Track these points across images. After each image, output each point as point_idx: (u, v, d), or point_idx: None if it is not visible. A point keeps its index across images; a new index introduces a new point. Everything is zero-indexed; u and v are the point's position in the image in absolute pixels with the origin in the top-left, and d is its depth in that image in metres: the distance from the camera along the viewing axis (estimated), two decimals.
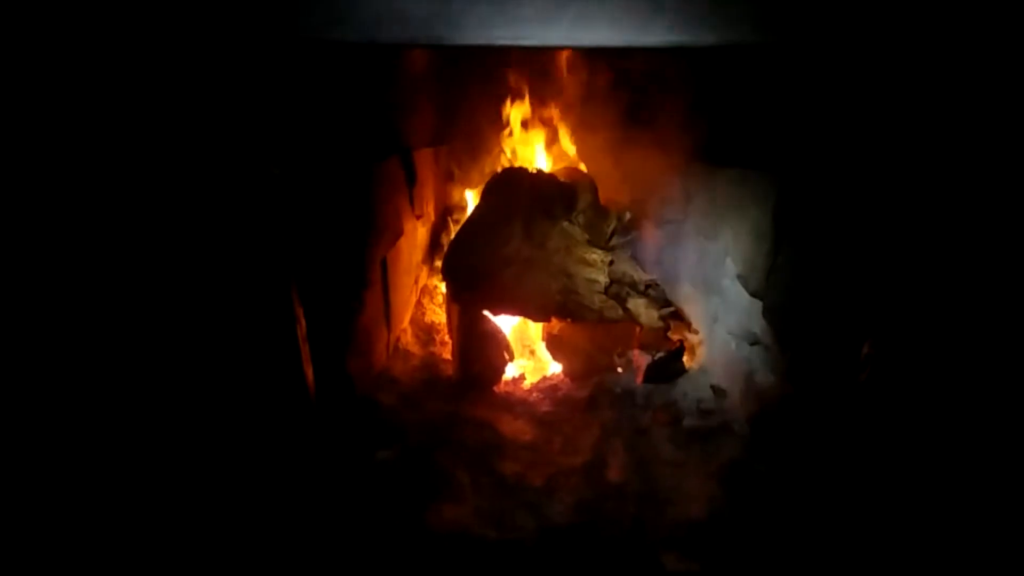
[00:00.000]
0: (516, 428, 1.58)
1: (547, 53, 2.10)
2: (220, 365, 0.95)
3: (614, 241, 1.64)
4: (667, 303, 1.64)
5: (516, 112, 2.13)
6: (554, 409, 1.67)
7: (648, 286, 1.55)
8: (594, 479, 1.38)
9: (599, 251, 1.54)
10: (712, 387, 1.74)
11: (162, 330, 0.93)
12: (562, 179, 1.81)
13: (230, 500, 1.06)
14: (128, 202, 0.86)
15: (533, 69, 2.14)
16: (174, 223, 0.87)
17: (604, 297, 1.51)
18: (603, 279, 1.51)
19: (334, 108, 1.27)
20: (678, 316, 1.64)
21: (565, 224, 1.55)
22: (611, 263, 1.55)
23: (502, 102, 2.15)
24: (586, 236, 1.57)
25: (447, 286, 1.78)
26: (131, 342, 0.92)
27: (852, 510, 1.11)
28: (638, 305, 1.52)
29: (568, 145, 2.20)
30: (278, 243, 0.90)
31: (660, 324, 1.54)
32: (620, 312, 1.50)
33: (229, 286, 0.91)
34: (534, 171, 1.78)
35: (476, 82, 2.18)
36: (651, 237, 2.06)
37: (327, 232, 1.22)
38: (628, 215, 1.75)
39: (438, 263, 2.25)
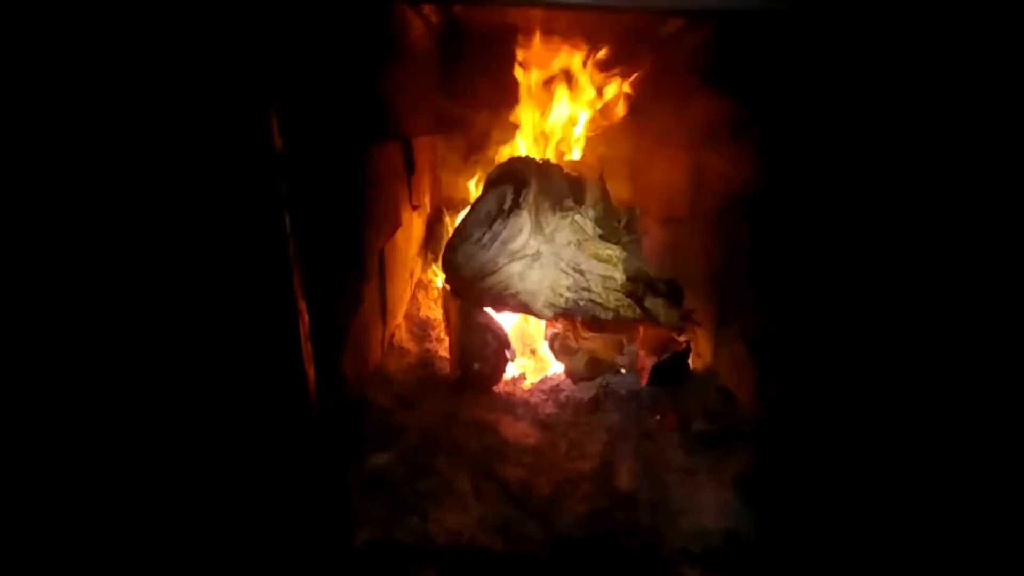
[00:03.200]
0: (519, 431, 1.50)
1: (553, 37, 2.02)
2: (211, 367, 0.86)
3: (624, 238, 1.56)
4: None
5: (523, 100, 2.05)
6: (557, 411, 1.60)
7: (668, 284, 1.47)
8: (604, 486, 1.31)
9: (614, 247, 1.46)
10: (719, 390, 1.69)
11: (147, 326, 0.83)
12: (569, 171, 1.73)
13: (216, 514, 0.97)
14: (120, 181, 0.76)
15: (539, 54, 2.05)
16: (168, 203, 0.78)
17: (620, 296, 1.43)
18: (619, 276, 1.43)
19: (331, 84, 1.17)
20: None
21: (576, 217, 1.47)
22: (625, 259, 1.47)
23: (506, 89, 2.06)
24: (599, 231, 1.48)
25: (446, 280, 1.69)
26: (121, 334, 0.82)
27: (871, 518, 1.07)
28: (657, 304, 1.44)
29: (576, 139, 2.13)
30: (280, 226, 0.80)
31: (681, 325, 1.46)
32: (638, 312, 1.42)
33: (223, 273, 0.81)
34: (541, 161, 1.70)
35: (479, 68, 2.09)
36: (655, 234, 2.00)
37: (325, 218, 1.13)
38: (637, 211, 1.67)
39: (434, 256, 2.17)
